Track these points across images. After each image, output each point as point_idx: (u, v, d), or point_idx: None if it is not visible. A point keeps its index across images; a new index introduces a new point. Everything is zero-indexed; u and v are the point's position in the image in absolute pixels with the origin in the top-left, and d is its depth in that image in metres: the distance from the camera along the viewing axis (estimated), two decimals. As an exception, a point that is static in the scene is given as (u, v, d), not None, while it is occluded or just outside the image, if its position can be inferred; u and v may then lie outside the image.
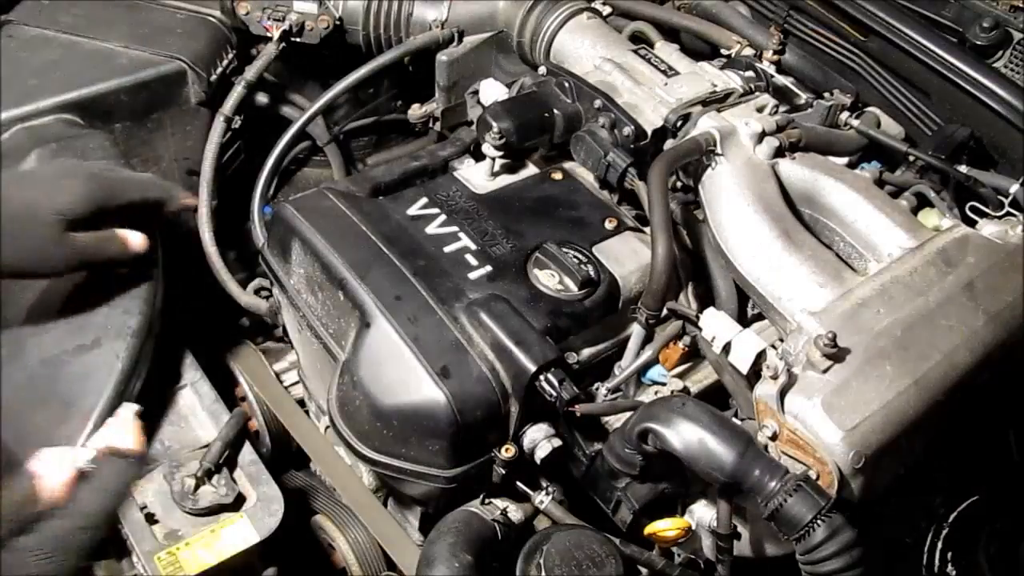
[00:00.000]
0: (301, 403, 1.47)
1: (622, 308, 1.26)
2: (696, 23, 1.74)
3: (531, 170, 1.44)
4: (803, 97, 1.53)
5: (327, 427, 1.29)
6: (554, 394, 1.09)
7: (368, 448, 1.16)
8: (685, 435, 1.02)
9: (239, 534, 1.14)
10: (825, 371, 1.06)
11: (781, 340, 1.17)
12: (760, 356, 1.10)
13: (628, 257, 1.29)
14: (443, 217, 1.31)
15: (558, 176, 1.43)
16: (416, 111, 1.79)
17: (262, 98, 1.77)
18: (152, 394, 1.22)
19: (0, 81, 1.40)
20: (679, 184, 1.43)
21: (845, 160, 1.48)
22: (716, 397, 1.24)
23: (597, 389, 1.25)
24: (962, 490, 1.33)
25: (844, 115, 1.53)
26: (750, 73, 1.53)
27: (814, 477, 1.01)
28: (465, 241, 1.27)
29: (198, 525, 1.13)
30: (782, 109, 1.46)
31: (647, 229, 1.32)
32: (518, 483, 1.22)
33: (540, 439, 1.16)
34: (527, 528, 1.25)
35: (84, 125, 1.44)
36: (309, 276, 1.26)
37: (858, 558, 0.95)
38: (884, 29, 1.55)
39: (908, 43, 1.53)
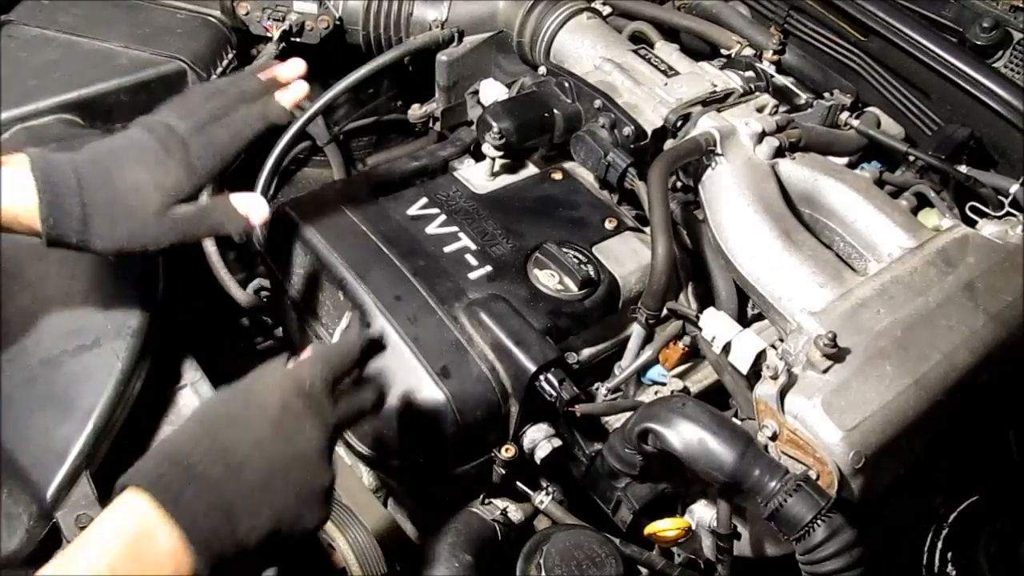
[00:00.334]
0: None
1: (622, 308, 1.26)
2: (696, 23, 1.74)
3: (531, 170, 1.44)
4: (803, 97, 1.53)
5: (327, 427, 1.29)
6: (554, 394, 1.09)
7: (368, 448, 1.16)
8: (685, 435, 1.02)
9: (239, 534, 1.13)
10: (825, 371, 1.06)
11: (781, 340, 1.17)
12: (760, 356, 1.10)
13: (628, 257, 1.29)
14: (443, 217, 1.31)
15: (558, 176, 1.43)
16: (416, 111, 1.79)
17: (262, 98, 1.77)
18: (152, 394, 1.22)
19: (0, 81, 1.39)
20: (679, 184, 1.43)
21: (845, 160, 1.48)
22: (716, 397, 1.24)
23: (597, 389, 1.25)
24: (962, 490, 1.33)
25: (844, 115, 1.53)
26: (750, 73, 1.53)
27: (814, 477, 1.01)
28: (465, 241, 1.27)
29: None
30: (782, 109, 1.46)
31: (647, 229, 1.32)
32: (518, 483, 1.22)
33: (540, 439, 1.16)
34: (527, 528, 1.25)
35: (84, 125, 1.44)
36: (309, 276, 1.26)
37: (858, 558, 0.95)
38: (884, 29, 1.55)
39: (908, 43, 1.53)
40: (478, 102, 1.58)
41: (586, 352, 1.24)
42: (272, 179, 1.63)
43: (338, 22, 1.70)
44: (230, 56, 1.66)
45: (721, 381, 1.19)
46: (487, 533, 1.16)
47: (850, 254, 1.32)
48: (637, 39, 1.73)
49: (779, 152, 1.36)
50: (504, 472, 1.17)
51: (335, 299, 1.21)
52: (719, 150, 1.32)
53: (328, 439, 0.85)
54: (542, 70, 1.49)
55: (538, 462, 1.17)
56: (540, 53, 1.69)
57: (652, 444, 1.06)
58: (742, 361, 1.11)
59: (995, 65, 1.57)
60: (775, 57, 1.66)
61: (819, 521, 0.94)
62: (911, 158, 1.50)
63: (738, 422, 1.09)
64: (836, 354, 1.06)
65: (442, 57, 1.71)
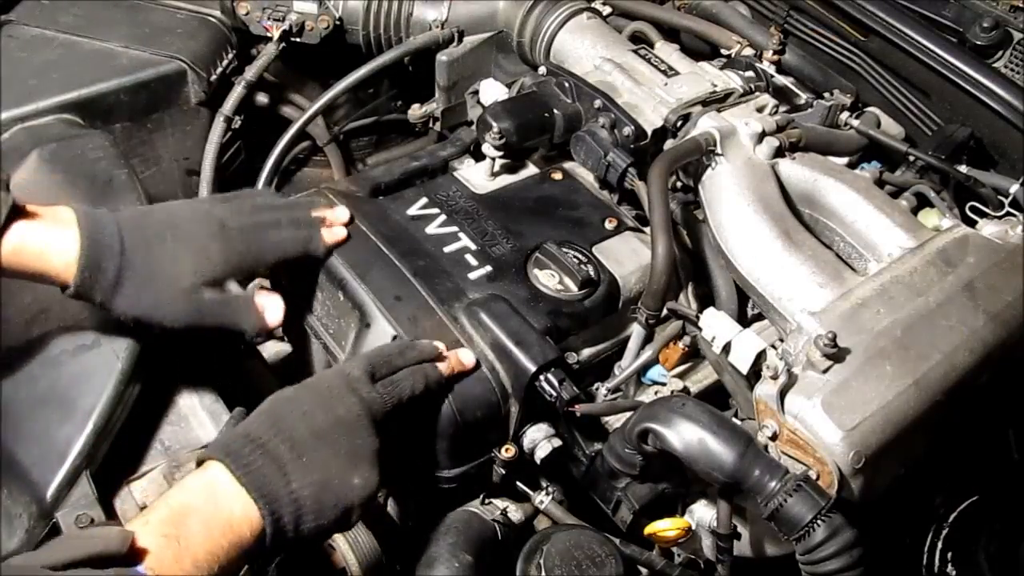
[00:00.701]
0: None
1: (622, 308, 1.26)
2: (696, 23, 1.74)
3: (531, 170, 1.44)
4: (803, 97, 1.53)
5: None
6: (554, 394, 1.09)
7: (368, 448, 1.15)
8: (685, 435, 1.02)
9: (239, 534, 1.13)
10: (825, 371, 1.06)
11: (781, 340, 1.17)
12: (760, 356, 1.10)
13: (628, 257, 1.29)
14: (443, 217, 1.31)
15: (558, 176, 1.43)
16: (416, 111, 1.79)
17: (262, 98, 1.77)
18: (152, 394, 1.22)
19: (0, 81, 1.39)
20: (679, 184, 1.43)
21: (845, 160, 1.48)
22: (716, 397, 1.24)
23: (597, 389, 1.25)
24: (962, 490, 1.33)
25: (844, 115, 1.53)
26: (750, 73, 1.53)
27: (814, 477, 1.01)
28: (465, 241, 1.27)
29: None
30: (782, 109, 1.46)
31: (647, 229, 1.32)
32: (518, 483, 1.22)
33: (540, 439, 1.16)
34: (527, 528, 1.25)
35: (84, 125, 1.44)
36: (309, 276, 1.26)
37: (858, 558, 0.95)
38: (884, 29, 1.55)
39: (908, 43, 1.53)
40: (478, 102, 1.58)
41: (586, 352, 1.24)
42: (272, 179, 1.64)
43: (338, 22, 1.70)
44: (230, 56, 1.66)
45: (721, 381, 1.19)
46: (487, 533, 1.16)
47: (850, 254, 1.32)
48: (637, 39, 1.73)
49: (779, 152, 1.36)
50: (504, 472, 1.17)
51: (335, 299, 1.21)
52: (719, 150, 1.32)
53: (368, 411, 0.97)
54: (542, 70, 1.49)
55: (538, 462, 1.17)
56: (540, 53, 1.69)
57: (652, 444, 1.06)
58: (742, 361, 1.11)
59: (995, 65, 1.57)
60: (775, 57, 1.66)
61: (819, 521, 0.94)
62: (911, 158, 1.50)
63: (738, 422, 1.09)
64: (836, 354, 1.06)
65: (442, 57, 1.71)
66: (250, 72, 1.64)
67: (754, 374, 1.11)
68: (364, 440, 0.96)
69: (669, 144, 1.39)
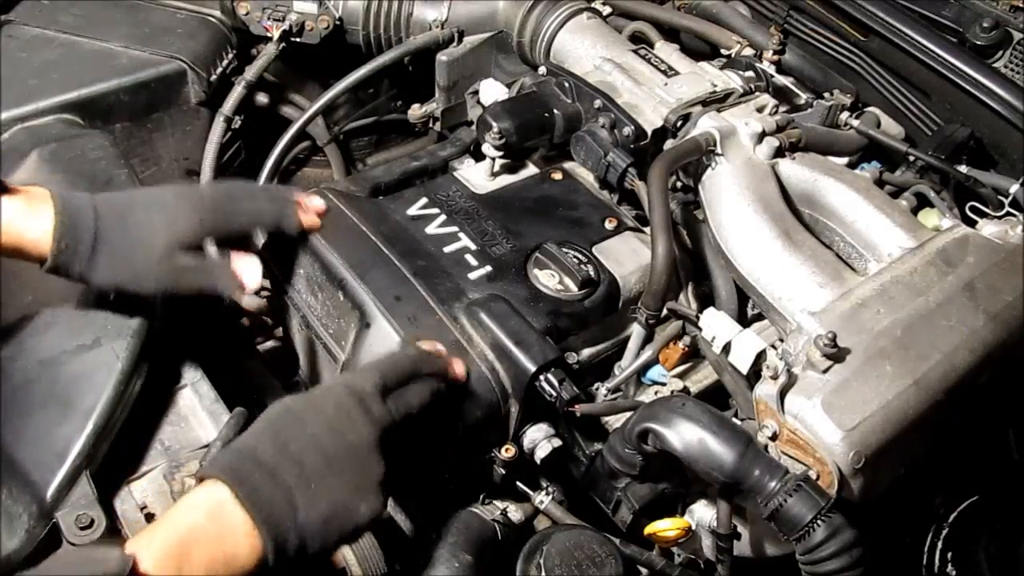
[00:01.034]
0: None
1: (622, 308, 1.26)
2: (696, 23, 1.74)
3: (531, 170, 1.44)
4: (803, 97, 1.53)
5: (327, 427, 1.29)
6: (554, 394, 1.09)
7: (368, 448, 1.15)
8: (685, 435, 1.02)
9: (239, 534, 1.13)
10: (825, 371, 1.06)
11: (781, 340, 1.17)
12: (760, 356, 1.10)
13: (628, 257, 1.29)
14: (443, 217, 1.31)
15: (558, 176, 1.43)
16: (416, 111, 1.79)
17: (262, 98, 1.77)
18: (152, 394, 1.22)
19: (0, 81, 1.39)
20: (679, 184, 1.43)
21: (845, 160, 1.48)
22: (716, 397, 1.24)
23: (597, 389, 1.25)
24: (962, 490, 1.33)
25: (844, 115, 1.53)
26: (750, 73, 1.53)
27: (814, 477, 1.01)
28: (465, 241, 1.27)
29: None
30: (782, 109, 1.46)
31: (647, 229, 1.32)
32: (518, 483, 1.22)
33: (540, 439, 1.16)
34: (527, 528, 1.24)
35: (84, 125, 1.44)
36: (309, 276, 1.26)
37: (858, 558, 0.95)
38: (884, 29, 1.55)
39: (908, 43, 1.53)
40: (478, 102, 1.58)
41: (586, 352, 1.24)
42: (272, 179, 1.64)
43: (338, 22, 1.70)
44: (230, 56, 1.66)
45: (721, 381, 1.19)
46: (487, 533, 1.16)
47: (850, 254, 1.32)
48: (637, 39, 1.73)
49: (779, 152, 1.36)
50: (504, 472, 1.17)
51: (335, 299, 1.21)
52: (719, 150, 1.32)
53: (378, 435, 0.93)
54: (542, 70, 1.49)
55: (538, 462, 1.17)
56: (540, 53, 1.69)
57: (652, 444, 1.06)
58: (742, 361, 1.11)
59: (995, 65, 1.57)
60: (775, 57, 1.66)
61: (819, 521, 0.94)
62: (911, 158, 1.50)
63: (738, 422, 1.09)
64: (836, 354, 1.06)
65: (442, 57, 1.71)
66: (250, 72, 1.64)
67: (754, 374, 1.11)
68: (373, 468, 0.92)
69: (669, 144, 1.39)
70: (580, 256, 1.27)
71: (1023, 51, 1.57)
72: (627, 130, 1.36)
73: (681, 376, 1.28)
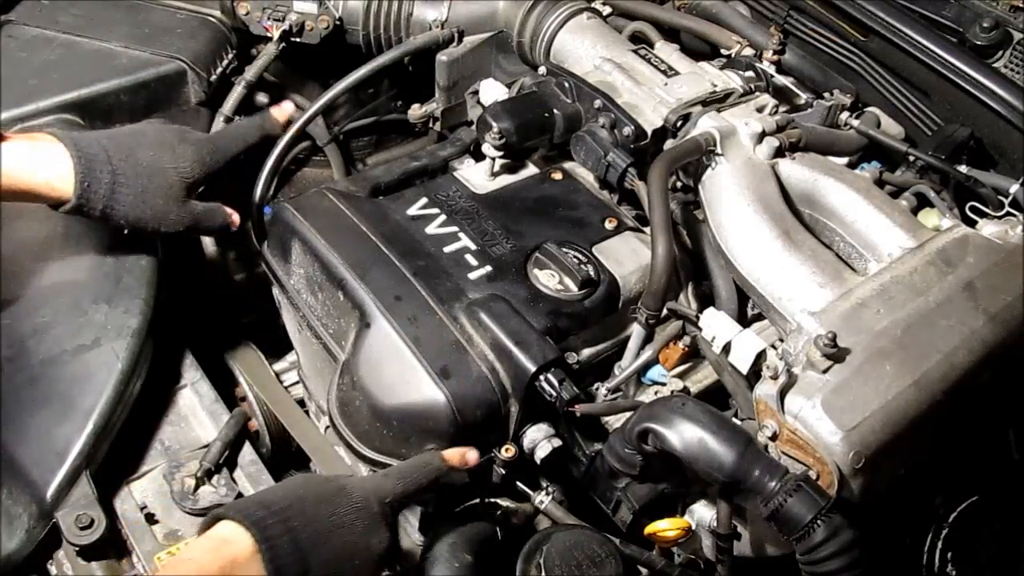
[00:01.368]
0: (301, 403, 1.47)
1: (622, 308, 1.26)
2: (696, 23, 1.74)
3: (531, 170, 1.44)
4: (803, 97, 1.53)
5: (327, 427, 1.29)
6: (554, 394, 1.09)
7: (368, 448, 1.16)
8: (685, 435, 1.02)
9: (239, 534, 1.13)
10: (825, 371, 1.06)
11: (781, 340, 1.17)
12: (760, 356, 1.10)
13: (628, 257, 1.29)
14: (443, 217, 1.31)
15: (558, 176, 1.43)
16: (416, 111, 1.79)
17: (262, 98, 1.77)
18: (152, 394, 1.22)
19: (0, 81, 1.39)
20: (679, 184, 1.43)
21: (845, 160, 1.48)
22: (716, 397, 1.24)
23: (597, 389, 1.25)
24: (962, 490, 1.33)
25: (844, 115, 1.53)
26: (750, 73, 1.53)
27: (814, 477, 1.01)
28: (465, 241, 1.27)
29: (198, 525, 1.13)
30: (782, 109, 1.46)
31: (647, 229, 1.32)
32: (518, 483, 1.22)
33: (540, 439, 1.16)
34: (527, 528, 1.24)
35: (84, 125, 1.44)
36: (309, 276, 1.26)
37: (858, 558, 0.95)
38: (884, 29, 1.55)
39: (908, 43, 1.53)
40: (478, 102, 1.58)
41: (586, 352, 1.24)
42: (272, 179, 1.63)
43: (338, 22, 1.70)
44: (230, 56, 1.66)
45: (721, 381, 1.19)
46: (487, 533, 1.16)
47: (850, 254, 1.32)
48: (637, 39, 1.73)
49: (779, 152, 1.36)
50: (504, 472, 1.17)
51: (335, 299, 1.21)
52: (719, 150, 1.32)
53: (394, 548, 0.97)
54: (542, 70, 1.49)
55: (538, 462, 1.17)
56: (540, 53, 1.69)
57: (652, 444, 1.06)
58: (742, 361, 1.11)
59: (995, 65, 1.57)
60: (775, 57, 1.66)
61: (819, 521, 0.94)
62: (911, 158, 1.50)
63: (738, 422, 1.09)
64: (836, 354, 1.06)
65: (442, 57, 1.71)
66: (250, 72, 1.64)
67: (754, 374, 1.11)
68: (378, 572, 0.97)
69: (669, 144, 1.39)
70: (580, 256, 1.27)
71: (1023, 51, 1.57)
72: (627, 130, 1.36)
73: (681, 376, 1.27)
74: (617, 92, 1.43)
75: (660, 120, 1.39)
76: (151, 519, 1.13)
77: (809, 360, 1.07)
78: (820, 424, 1.03)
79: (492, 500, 1.22)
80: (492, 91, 1.51)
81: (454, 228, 1.29)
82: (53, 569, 1.06)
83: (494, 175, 1.41)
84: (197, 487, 1.15)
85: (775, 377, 1.05)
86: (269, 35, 1.68)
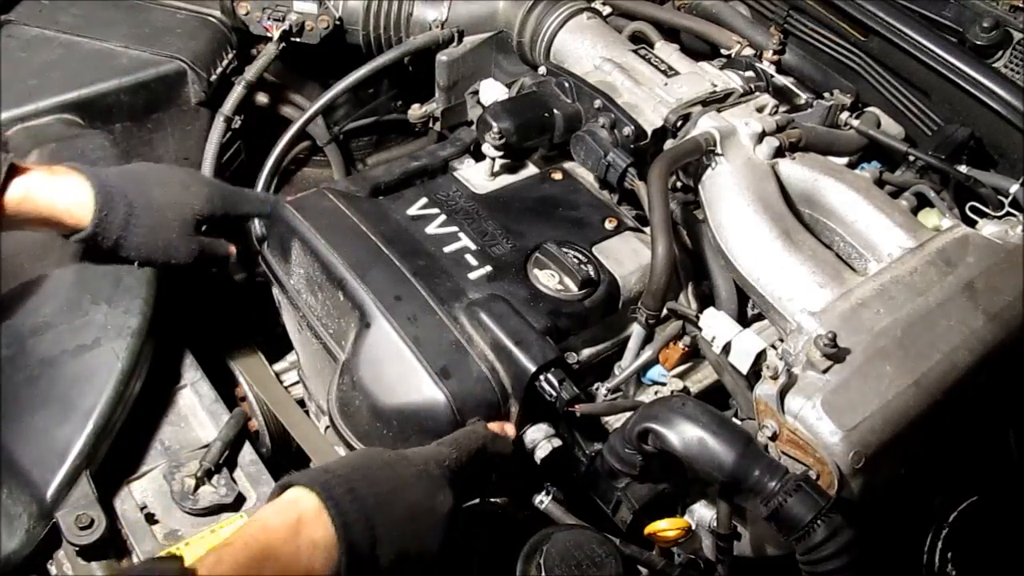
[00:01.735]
0: (301, 403, 1.47)
1: (622, 308, 1.26)
2: (696, 23, 1.74)
3: (531, 170, 1.44)
4: (803, 97, 1.53)
5: (327, 427, 1.29)
6: (554, 394, 1.09)
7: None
8: (685, 435, 1.02)
9: (239, 534, 1.13)
10: (825, 371, 1.06)
11: (781, 340, 1.17)
12: (760, 356, 1.10)
13: (628, 257, 1.29)
14: (443, 217, 1.31)
15: (558, 176, 1.43)
16: (416, 111, 1.79)
17: (262, 98, 1.77)
18: (152, 394, 1.22)
19: (0, 81, 1.40)
20: (679, 184, 1.43)
21: (845, 160, 1.48)
22: (716, 397, 1.24)
23: (597, 389, 1.25)
24: (962, 490, 1.33)
25: (844, 115, 1.53)
26: (750, 73, 1.53)
27: (814, 477, 1.01)
28: (465, 241, 1.27)
29: (198, 525, 1.13)
30: (782, 109, 1.46)
31: (647, 229, 1.32)
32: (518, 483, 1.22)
33: (540, 439, 1.16)
34: (527, 528, 1.24)
35: (84, 125, 1.44)
36: (309, 276, 1.26)
37: (858, 558, 0.94)
38: (884, 29, 1.55)
39: (908, 43, 1.53)
40: (478, 102, 1.58)
41: (586, 352, 1.24)
42: (272, 179, 1.64)
43: (338, 22, 1.70)
44: (230, 56, 1.66)
45: (721, 381, 1.19)
46: (487, 532, 1.16)
47: (850, 254, 1.32)
48: (637, 39, 1.73)
49: (779, 152, 1.36)
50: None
51: (335, 299, 1.21)
52: (719, 150, 1.32)
53: (458, 509, 0.97)
54: (542, 70, 1.49)
55: (538, 462, 1.17)
56: (540, 53, 1.69)
57: (652, 444, 1.06)
58: (742, 361, 1.11)
59: (995, 65, 1.57)
60: (775, 57, 1.66)
61: (819, 521, 0.93)
62: (911, 158, 1.50)
63: (738, 422, 1.09)
64: (836, 354, 1.06)
65: (442, 57, 1.71)
66: (250, 72, 1.64)
67: (754, 374, 1.11)
68: (441, 537, 0.96)
69: (669, 144, 1.39)
70: (580, 256, 1.27)
71: (1023, 51, 1.57)
72: (627, 130, 1.36)
73: (681, 376, 1.27)
74: (617, 92, 1.43)
75: (660, 120, 1.39)
76: (151, 519, 1.13)
77: (809, 360, 1.07)
78: (820, 424, 1.03)
79: (493, 499, 1.22)
80: (492, 91, 1.51)
81: (454, 228, 1.29)
82: (53, 569, 1.06)
83: (494, 175, 1.41)
84: (197, 487, 1.15)
85: (775, 377, 1.05)
86: (269, 35, 1.68)
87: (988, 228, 1.32)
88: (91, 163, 1.31)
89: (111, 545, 1.08)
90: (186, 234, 1.23)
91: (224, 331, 1.52)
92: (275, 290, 1.38)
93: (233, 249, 1.34)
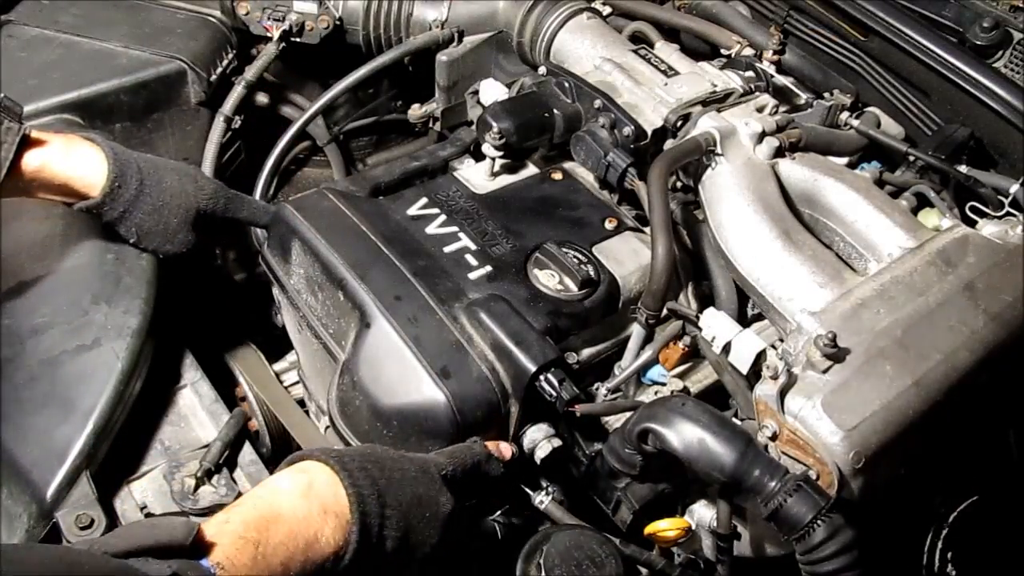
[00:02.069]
0: (301, 403, 1.47)
1: (622, 308, 1.26)
2: (696, 23, 1.74)
3: (531, 170, 1.44)
4: (803, 97, 1.53)
5: (327, 427, 1.29)
6: (554, 394, 1.09)
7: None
8: (685, 435, 1.02)
9: (239, 534, 1.13)
10: (825, 371, 1.06)
11: (781, 340, 1.17)
12: (760, 356, 1.10)
13: (628, 257, 1.29)
14: (443, 217, 1.31)
15: (558, 176, 1.43)
16: (416, 111, 1.79)
17: (262, 98, 1.77)
18: (152, 394, 1.22)
19: (0, 81, 1.40)
20: (679, 184, 1.43)
21: (845, 160, 1.48)
22: (716, 397, 1.24)
23: (597, 389, 1.25)
24: (962, 490, 1.33)
25: (844, 115, 1.53)
26: (750, 73, 1.53)
27: (814, 477, 1.01)
28: (465, 241, 1.27)
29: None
30: (782, 109, 1.46)
31: (647, 229, 1.32)
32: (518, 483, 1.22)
33: (540, 439, 1.16)
34: (527, 528, 1.24)
35: (84, 125, 1.44)
36: (309, 276, 1.26)
37: (858, 558, 0.94)
38: (884, 29, 1.55)
39: (908, 43, 1.53)
40: (478, 102, 1.58)
41: (586, 352, 1.24)
42: (272, 179, 1.64)
43: (338, 22, 1.70)
44: (230, 56, 1.66)
45: (721, 381, 1.19)
46: (487, 533, 1.16)
47: (850, 254, 1.32)
48: (637, 39, 1.73)
49: (779, 152, 1.36)
50: (504, 472, 1.17)
51: (335, 299, 1.21)
52: (719, 150, 1.32)
53: (457, 513, 0.99)
54: (542, 70, 1.49)
55: (538, 462, 1.17)
56: (540, 53, 1.69)
57: (652, 444, 1.06)
58: (742, 361, 1.11)
59: (995, 65, 1.57)
60: (775, 57, 1.66)
61: (819, 521, 0.93)
62: (911, 158, 1.50)
63: (738, 422, 1.09)
64: (836, 354, 1.06)
65: (442, 57, 1.71)
66: (250, 72, 1.64)
67: (754, 374, 1.11)
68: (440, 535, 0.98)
69: (669, 144, 1.39)
70: (580, 256, 1.27)
71: (1023, 51, 1.57)
72: (627, 130, 1.36)
73: (681, 376, 1.28)
74: (617, 92, 1.43)
75: (660, 120, 1.39)
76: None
77: (809, 360, 1.07)
78: (820, 424, 1.03)
79: (492, 500, 1.22)
80: (492, 91, 1.51)
81: (454, 228, 1.29)
82: (53, 569, 1.06)
83: (494, 175, 1.41)
84: (197, 487, 1.15)
85: (775, 377, 1.05)
86: (269, 35, 1.68)
87: (988, 228, 1.32)
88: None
89: (111, 545, 1.08)
90: (186, 224, 1.24)
91: (224, 331, 1.52)
92: (275, 290, 1.38)
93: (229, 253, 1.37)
